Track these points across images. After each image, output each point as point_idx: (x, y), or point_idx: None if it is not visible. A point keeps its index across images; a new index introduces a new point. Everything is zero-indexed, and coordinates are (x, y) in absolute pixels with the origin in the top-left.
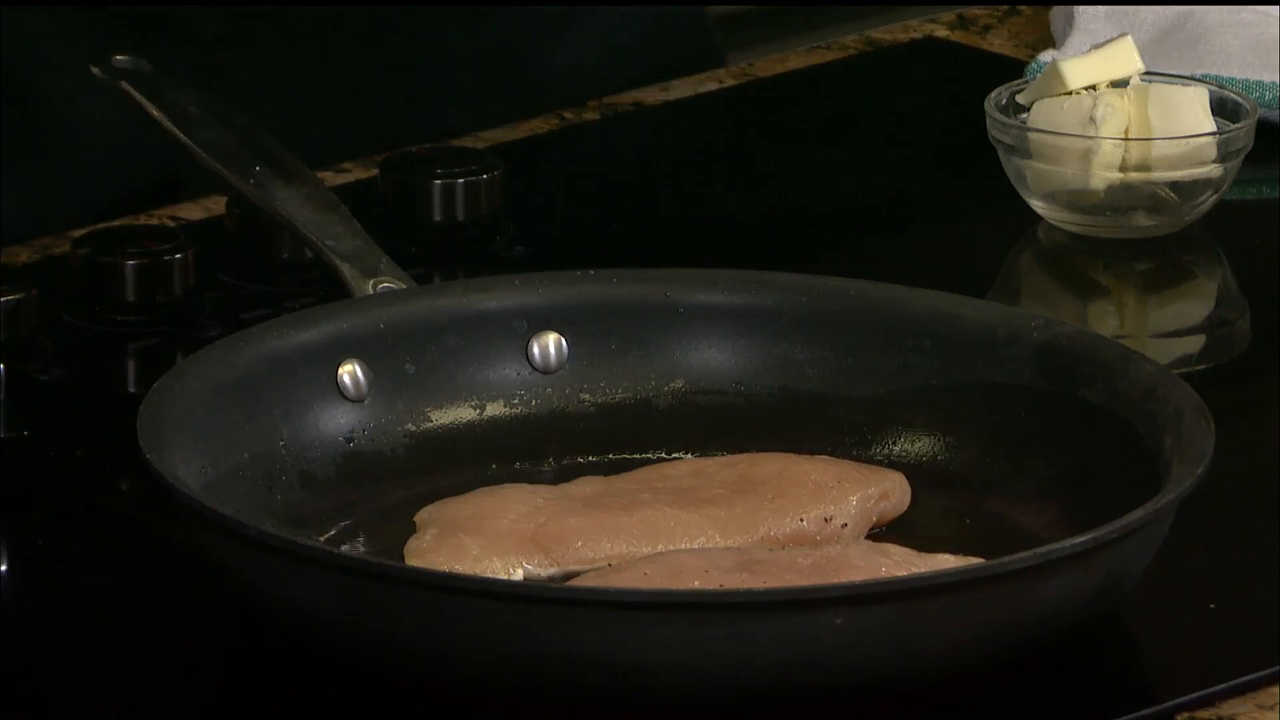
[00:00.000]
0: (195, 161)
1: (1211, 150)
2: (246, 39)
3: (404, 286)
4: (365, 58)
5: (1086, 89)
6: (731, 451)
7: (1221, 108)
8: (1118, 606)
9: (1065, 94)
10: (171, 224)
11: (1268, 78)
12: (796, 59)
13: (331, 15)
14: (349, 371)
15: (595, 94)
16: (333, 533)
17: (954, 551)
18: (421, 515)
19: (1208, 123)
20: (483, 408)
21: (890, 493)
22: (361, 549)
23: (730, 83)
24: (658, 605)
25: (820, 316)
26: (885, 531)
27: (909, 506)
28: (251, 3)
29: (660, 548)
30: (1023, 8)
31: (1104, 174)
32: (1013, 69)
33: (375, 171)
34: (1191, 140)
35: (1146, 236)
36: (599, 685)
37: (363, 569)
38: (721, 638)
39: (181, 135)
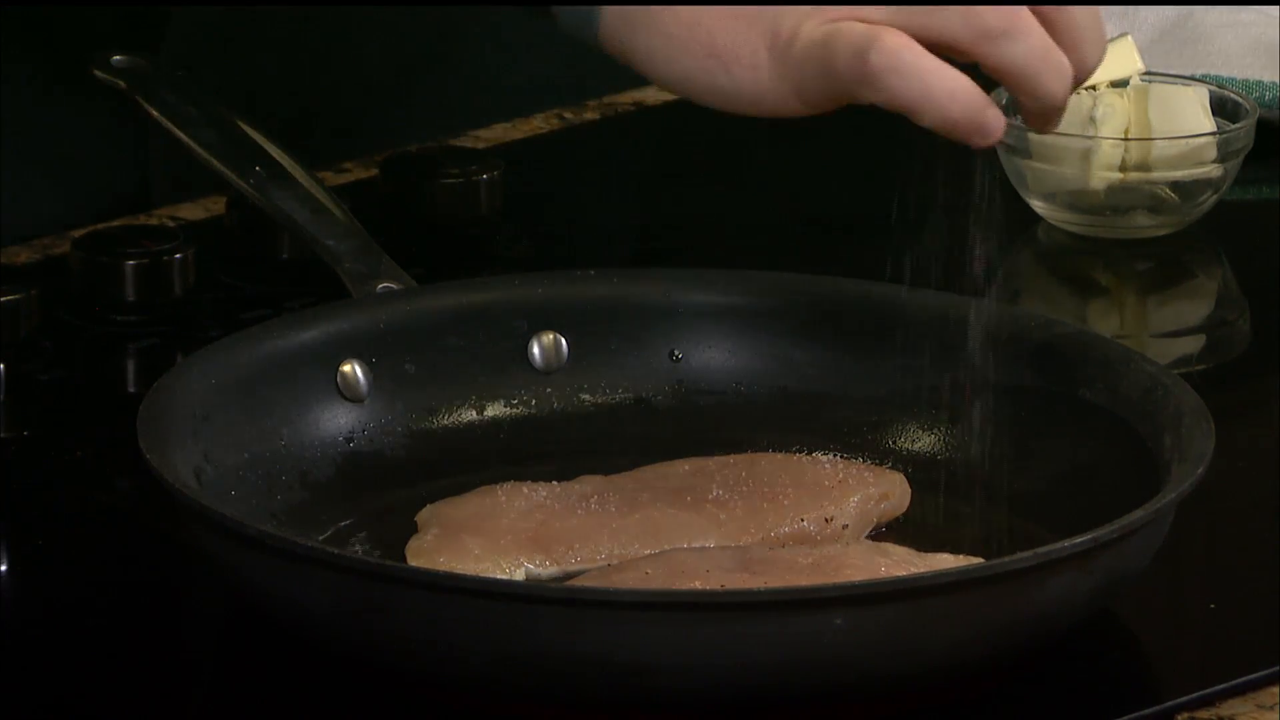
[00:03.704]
0: (195, 161)
1: (1211, 150)
2: (246, 38)
3: (404, 286)
4: (365, 57)
5: (1086, 89)
6: (731, 451)
7: (1221, 108)
8: (1118, 606)
9: None
10: (171, 224)
11: (1268, 78)
12: None
13: (332, 15)
14: (349, 371)
15: (596, 94)
16: (332, 533)
17: (954, 551)
18: (423, 515)
19: (1208, 123)
20: (483, 408)
21: (890, 493)
22: (361, 549)
23: None
24: (658, 605)
25: (820, 316)
26: (885, 531)
27: (909, 506)
28: (252, 3)
29: (660, 548)
30: None
31: (1104, 174)
32: None
33: (375, 171)
34: (1191, 140)
35: (1146, 236)
36: (599, 685)
37: (363, 569)
38: (721, 638)
39: (182, 135)
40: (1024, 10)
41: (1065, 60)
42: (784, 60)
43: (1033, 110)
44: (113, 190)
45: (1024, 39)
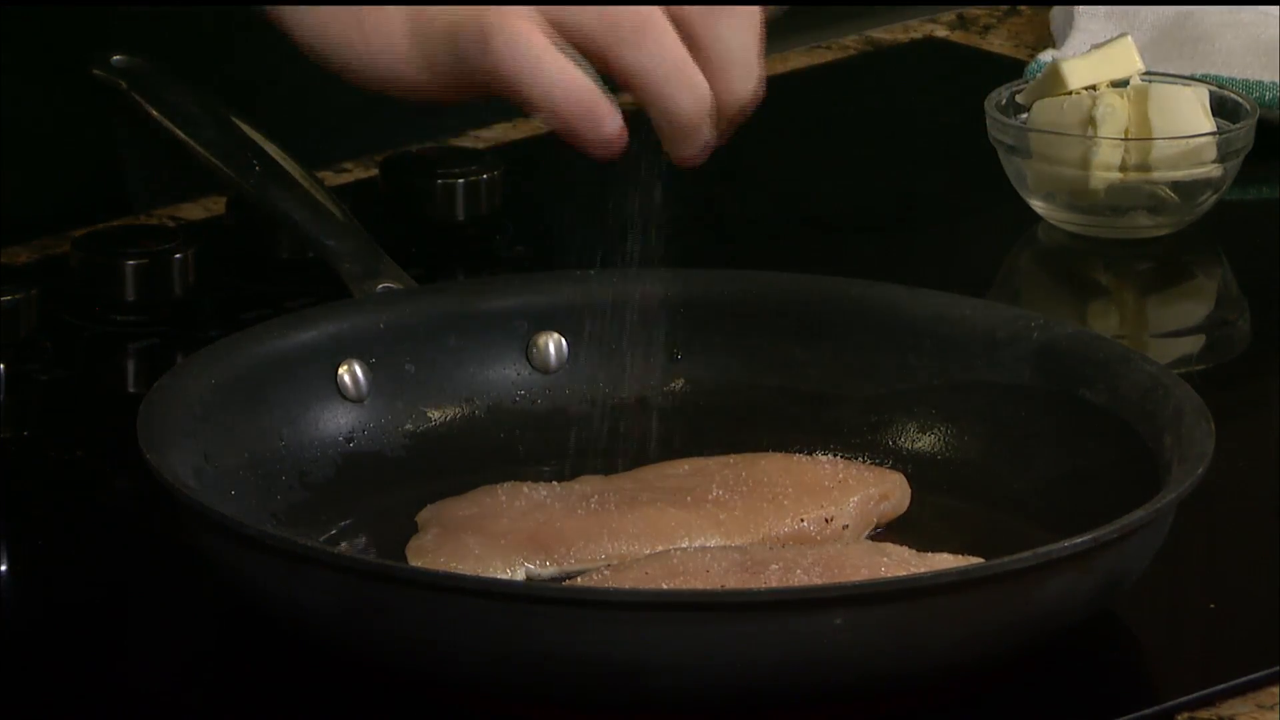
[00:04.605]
0: (195, 161)
1: (1211, 150)
2: (246, 39)
3: (404, 286)
4: None
5: (1086, 89)
6: (731, 451)
7: (1221, 108)
8: (1118, 606)
9: (1065, 94)
10: (171, 224)
11: (1268, 78)
12: (796, 59)
13: None
14: (349, 371)
15: None
16: (333, 533)
17: (954, 551)
18: (423, 515)
19: (1208, 123)
20: (483, 408)
21: (890, 493)
22: (361, 549)
23: None
24: (658, 605)
25: (820, 316)
26: (885, 531)
27: (909, 506)
28: (254, 3)
29: (660, 548)
30: (1023, 8)
31: (1104, 174)
32: (1013, 69)
33: (375, 171)
34: (1191, 140)
35: (1146, 236)
36: (599, 685)
37: (363, 569)
38: (721, 638)
39: (182, 135)
40: (659, 20)
41: (700, 79)
42: (421, 40)
43: (665, 132)
44: (106, 191)
45: (652, 47)
